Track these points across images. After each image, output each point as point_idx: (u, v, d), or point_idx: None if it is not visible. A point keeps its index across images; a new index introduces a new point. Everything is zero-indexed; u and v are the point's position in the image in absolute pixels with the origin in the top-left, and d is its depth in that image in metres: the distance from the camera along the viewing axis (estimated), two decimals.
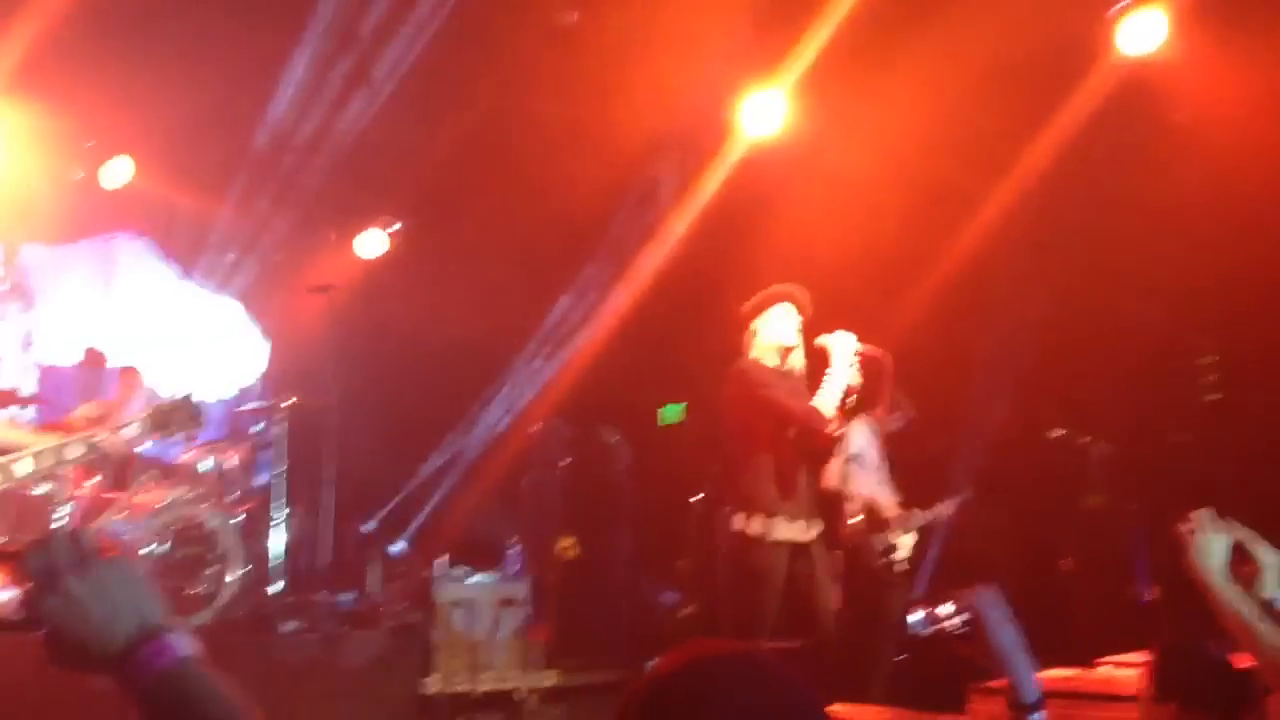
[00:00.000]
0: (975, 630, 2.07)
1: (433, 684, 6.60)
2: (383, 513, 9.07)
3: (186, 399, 3.54)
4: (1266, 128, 6.27)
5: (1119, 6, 6.57)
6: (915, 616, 2.12)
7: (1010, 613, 2.11)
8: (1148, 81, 6.75)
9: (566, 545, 7.90)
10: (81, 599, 1.25)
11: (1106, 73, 6.76)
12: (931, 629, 2.09)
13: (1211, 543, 2.44)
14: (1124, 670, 4.29)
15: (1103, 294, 7.67)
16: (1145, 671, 2.57)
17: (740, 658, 1.26)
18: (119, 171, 8.25)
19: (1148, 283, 7.54)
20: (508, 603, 6.92)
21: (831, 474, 5.40)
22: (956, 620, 2.09)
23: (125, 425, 3.41)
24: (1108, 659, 4.61)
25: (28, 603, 1.26)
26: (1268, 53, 6.06)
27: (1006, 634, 2.08)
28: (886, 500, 6.34)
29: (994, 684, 4.29)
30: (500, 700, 6.80)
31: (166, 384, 8.24)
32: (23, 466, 3.15)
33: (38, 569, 1.26)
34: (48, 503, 6.47)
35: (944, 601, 2.11)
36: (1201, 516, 2.49)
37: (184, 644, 1.27)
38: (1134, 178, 7.14)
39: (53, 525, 6.37)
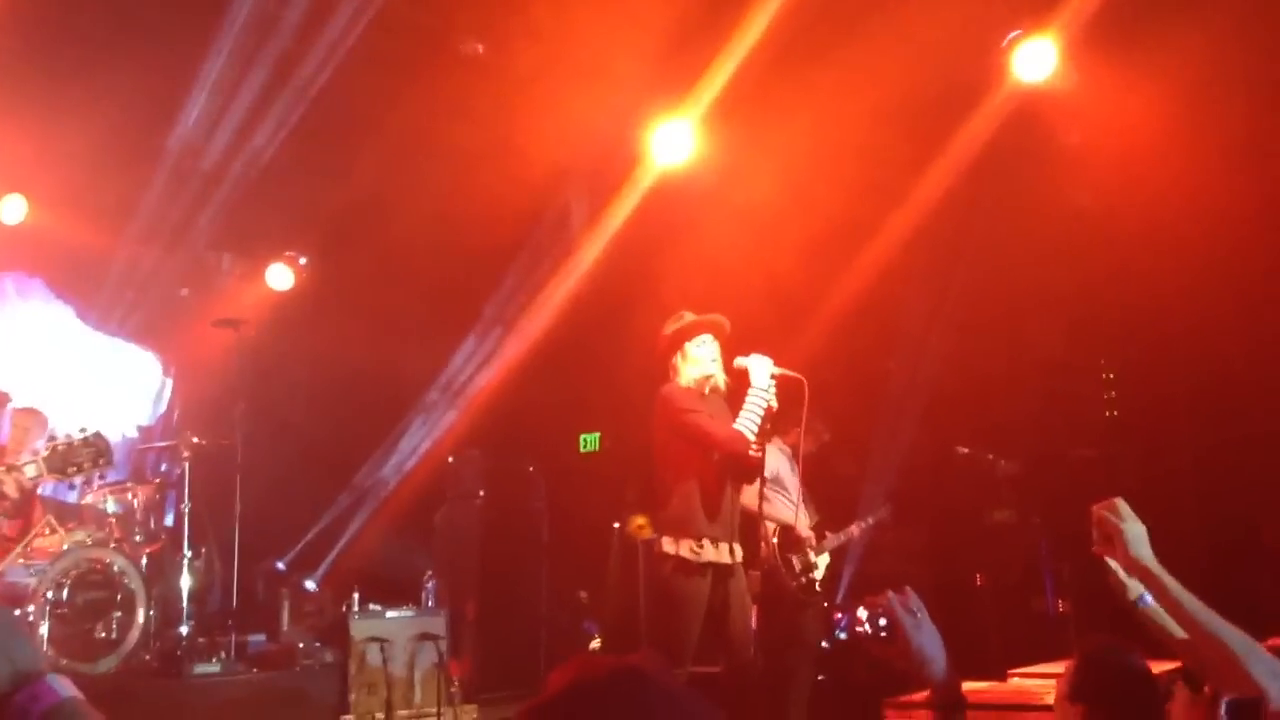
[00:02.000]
0: (894, 632, 2.09)
1: None
2: (293, 550, 8.88)
3: (96, 436, 3.42)
4: (1154, 147, 6.52)
5: (1012, 35, 6.78)
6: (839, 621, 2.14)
7: (928, 614, 2.13)
8: (1041, 107, 6.98)
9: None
10: None
11: (1002, 100, 6.97)
12: (851, 632, 2.11)
13: (1140, 529, 2.40)
14: (1036, 681, 4.39)
15: (1004, 315, 7.89)
16: (1065, 671, 2.63)
17: (624, 672, 1.25)
18: (12, 209, 8.01)
19: (1047, 303, 7.77)
20: (425, 637, 6.81)
21: (748, 496, 5.43)
22: (875, 623, 2.10)
23: (24, 464, 3.29)
24: (1020, 670, 4.71)
25: None
26: (1152, 76, 6.30)
27: (926, 633, 2.10)
28: (802, 522, 6.40)
29: (906, 698, 4.36)
30: None
31: (65, 424, 8.01)
32: None
33: None
34: None
35: (860, 606, 2.13)
36: (1120, 506, 2.45)
37: (63, 687, 1.27)
38: (1030, 201, 7.36)
39: None
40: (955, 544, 7.81)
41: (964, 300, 7.83)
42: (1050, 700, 3.25)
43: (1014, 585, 7.37)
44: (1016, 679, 4.74)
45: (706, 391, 5.22)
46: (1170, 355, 7.47)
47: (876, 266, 7.57)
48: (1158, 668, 2.72)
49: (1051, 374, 7.85)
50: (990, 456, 7.20)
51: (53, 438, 3.44)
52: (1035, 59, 6.78)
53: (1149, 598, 2.38)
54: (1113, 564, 2.44)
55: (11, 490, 3.12)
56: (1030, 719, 4.00)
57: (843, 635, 2.11)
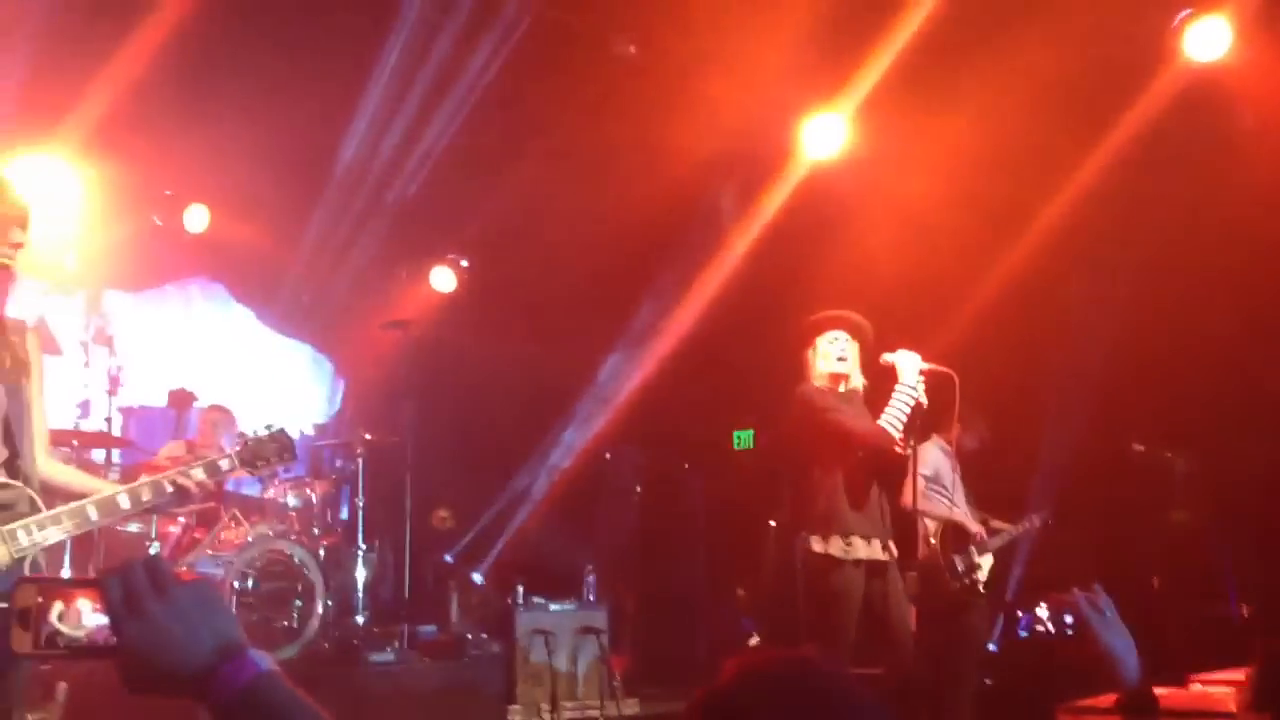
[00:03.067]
0: (1082, 631, 2.00)
1: (515, 714, 6.64)
2: (460, 544, 9.15)
3: (280, 432, 3.60)
4: None
5: (1184, 14, 6.51)
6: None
7: (1117, 613, 2.03)
8: (1212, 89, 6.67)
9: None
10: (160, 622, 1.26)
11: (1169, 81, 6.68)
12: (1033, 631, 2.03)
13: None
14: (1218, 688, 4.22)
15: (1175, 305, 7.56)
16: (1246, 679, 2.52)
17: (798, 664, 1.26)
18: (195, 219, 8.48)
19: (1223, 291, 7.42)
20: (587, 631, 6.94)
21: (905, 494, 5.35)
22: (1060, 621, 2.02)
23: (218, 460, 3.48)
24: (1201, 676, 4.53)
25: (111, 627, 1.28)
26: None
27: (1116, 633, 2.01)
28: (964, 520, 6.27)
29: (1083, 703, 4.23)
30: None
31: (248, 422, 8.46)
32: (122, 505, 3.23)
33: (116, 594, 1.28)
34: (138, 540, 6.67)
35: (1042, 604, 2.04)
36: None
37: (264, 660, 1.28)
38: (1200, 186, 7.04)
39: None
40: (1130, 545, 7.52)
41: (1135, 290, 7.53)
42: (1234, 707, 3.13)
43: (1193, 589, 7.06)
44: (1198, 685, 4.55)
45: (843, 389, 5.15)
46: None
47: (1040, 258, 7.35)
48: None
49: (1230, 366, 7.48)
50: (1167, 454, 6.92)
51: (242, 434, 3.63)
52: (1208, 39, 6.49)
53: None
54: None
55: (192, 487, 3.31)
56: None
57: (1024, 634, 2.04)
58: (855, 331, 5.17)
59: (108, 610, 1.28)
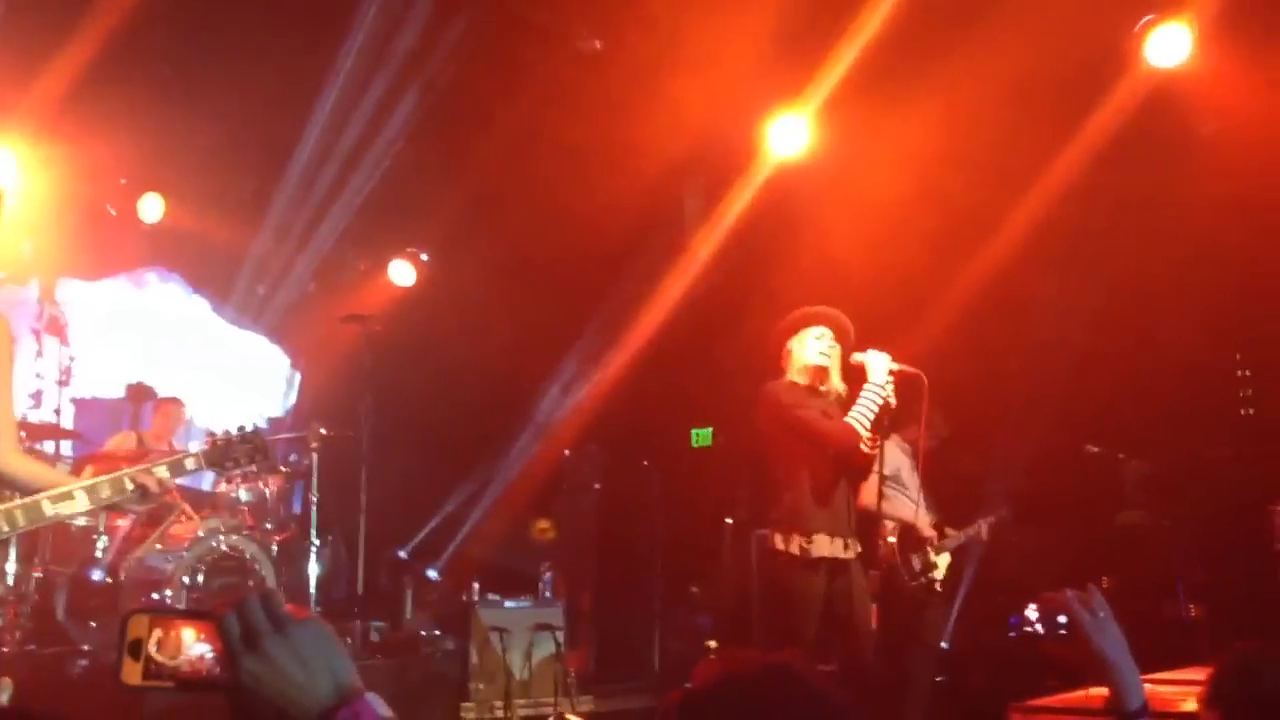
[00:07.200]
0: (1074, 632, 1.96)
1: (469, 711, 6.59)
2: (415, 540, 9.09)
3: (254, 434, 3.51)
4: None
5: (1146, 20, 6.57)
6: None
7: (1111, 614, 1.99)
8: (1175, 95, 6.74)
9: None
10: (280, 660, 1.24)
11: (1133, 86, 6.74)
12: (1021, 631, 1.98)
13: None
14: (1169, 687, 4.25)
15: (1134, 308, 7.63)
16: (1206, 678, 2.52)
17: (773, 669, 1.25)
18: (150, 208, 8.36)
19: (1180, 297, 7.50)
20: (542, 628, 6.90)
21: (867, 494, 5.35)
22: (1051, 622, 1.97)
23: (184, 459, 3.40)
24: (1153, 676, 4.56)
25: (226, 663, 1.25)
26: None
27: (1110, 636, 1.97)
28: (922, 520, 6.30)
29: (1035, 702, 4.26)
30: None
31: (201, 414, 8.36)
32: (79, 502, 3.15)
33: (236, 630, 1.25)
34: (85, 535, 6.55)
35: (1032, 604, 1.99)
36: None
37: (381, 707, 1.29)
38: (1163, 192, 7.11)
39: (96, 556, 6.43)
40: (1083, 545, 7.59)
41: (1094, 293, 7.59)
42: (1187, 707, 3.15)
43: (1144, 589, 7.13)
44: (1149, 685, 4.59)
45: (822, 388, 5.13)
46: None
47: (1002, 260, 7.39)
48: None
49: (1185, 371, 7.56)
50: (1121, 456, 6.97)
51: (211, 433, 3.54)
52: (1169, 45, 6.55)
53: None
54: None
55: (154, 488, 3.22)
56: None
57: (1012, 634, 2.00)
58: (841, 334, 5.14)
59: (226, 646, 1.25)
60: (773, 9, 6.57)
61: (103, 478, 3.20)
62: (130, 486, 3.18)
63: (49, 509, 3.07)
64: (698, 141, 7.91)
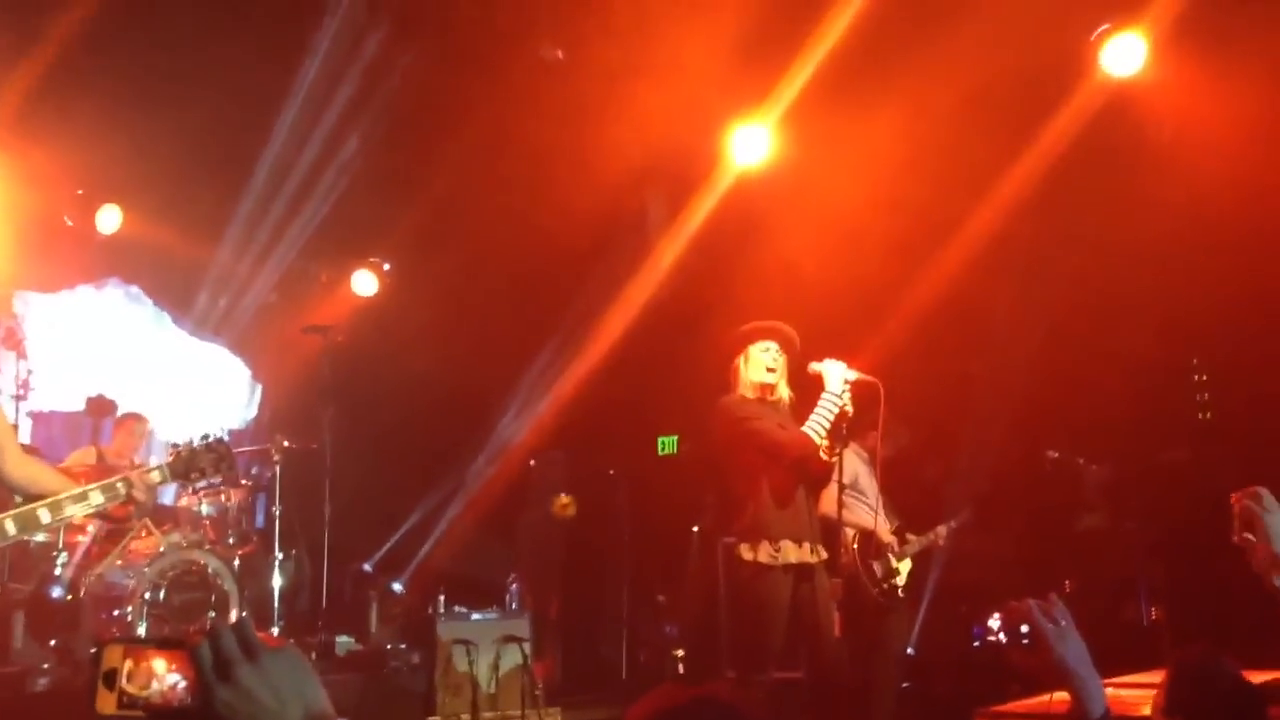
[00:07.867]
0: (1036, 641, 1.96)
1: None
2: (380, 553, 9.02)
3: (218, 442, 3.48)
4: (1246, 144, 6.34)
5: (1102, 29, 6.65)
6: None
7: (1073, 622, 1.99)
8: (1131, 103, 6.82)
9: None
10: (252, 689, 1.25)
11: (1090, 95, 6.83)
12: (985, 641, 1.99)
13: None
14: (1130, 691, 4.29)
15: (1092, 313, 7.72)
16: (1161, 684, 2.55)
17: (702, 701, 1.26)
18: (108, 220, 8.26)
19: (1137, 302, 7.60)
20: (509, 639, 6.87)
21: (826, 502, 5.38)
22: (1015, 631, 1.97)
23: (149, 472, 3.36)
24: (1113, 680, 4.60)
25: (198, 692, 1.26)
26: (1244, 73, 6.14)
27: (1072, 645, 1.97)
28: (882, 526, 6.33)
29: (999, 708, 4.29)
30: None
31: (163, 427, 8.27)
32: (42, 515, 3.11)
33: (208, 659, 1.26)
34: (44, 551, 6.46)
35: (996, 614, 2.00)
36: (1265, 496, 2.27)
37: None
38: (1120, 198, 7.20)
39: (56, 573, 6.35)
40: (1044, 550, 7.66)
41: (1052, 300, 7.67)
42: (1147, 711, 3.18)
43: (1105, 592, 7.21)
44: (1111, 689, 4.64)
45: (771, 398, 5.16)
46: (1264, 356, 7.25)
47: (960, 267, 7.46)
48: (1257, 678, 2.64)
49: (1142, 375, 7.66)
50: (1080, 460, 7.04)
51: (174, 445, 3.50)
52: (1125, 54, 6.64)
53: None
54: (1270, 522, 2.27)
55: (142, 495, 3.19)
56: None
57: (977, 644, 2.00)
58: (786, 345, 5.19)
59: (198, 675, 1.26)
60: (734, 19, 6.60)
61: (93, 485, 3.17)
62: (96, 502, 3.15)
63: (11, 527, 3.03)
64: (660, 150, 7.93)
